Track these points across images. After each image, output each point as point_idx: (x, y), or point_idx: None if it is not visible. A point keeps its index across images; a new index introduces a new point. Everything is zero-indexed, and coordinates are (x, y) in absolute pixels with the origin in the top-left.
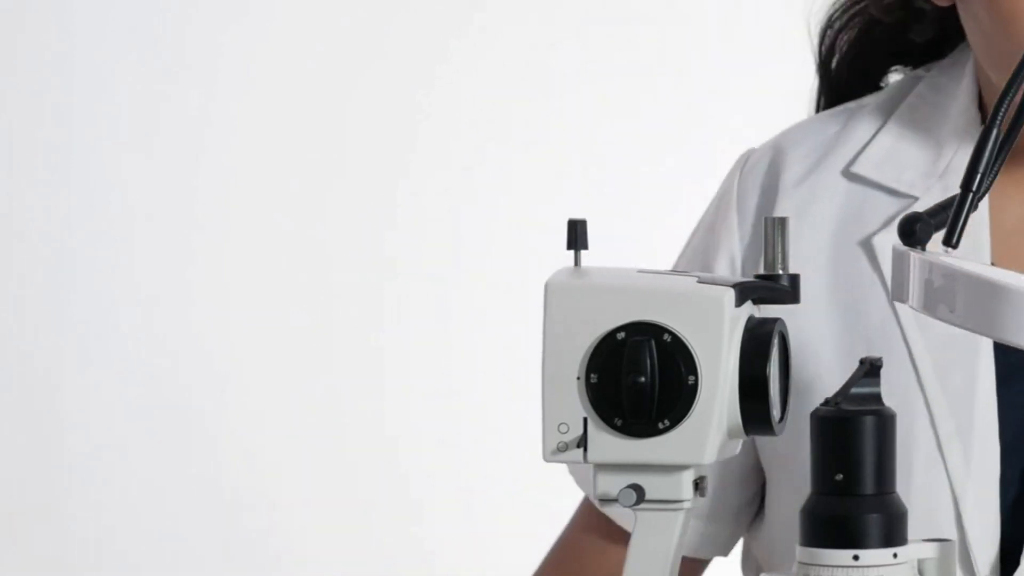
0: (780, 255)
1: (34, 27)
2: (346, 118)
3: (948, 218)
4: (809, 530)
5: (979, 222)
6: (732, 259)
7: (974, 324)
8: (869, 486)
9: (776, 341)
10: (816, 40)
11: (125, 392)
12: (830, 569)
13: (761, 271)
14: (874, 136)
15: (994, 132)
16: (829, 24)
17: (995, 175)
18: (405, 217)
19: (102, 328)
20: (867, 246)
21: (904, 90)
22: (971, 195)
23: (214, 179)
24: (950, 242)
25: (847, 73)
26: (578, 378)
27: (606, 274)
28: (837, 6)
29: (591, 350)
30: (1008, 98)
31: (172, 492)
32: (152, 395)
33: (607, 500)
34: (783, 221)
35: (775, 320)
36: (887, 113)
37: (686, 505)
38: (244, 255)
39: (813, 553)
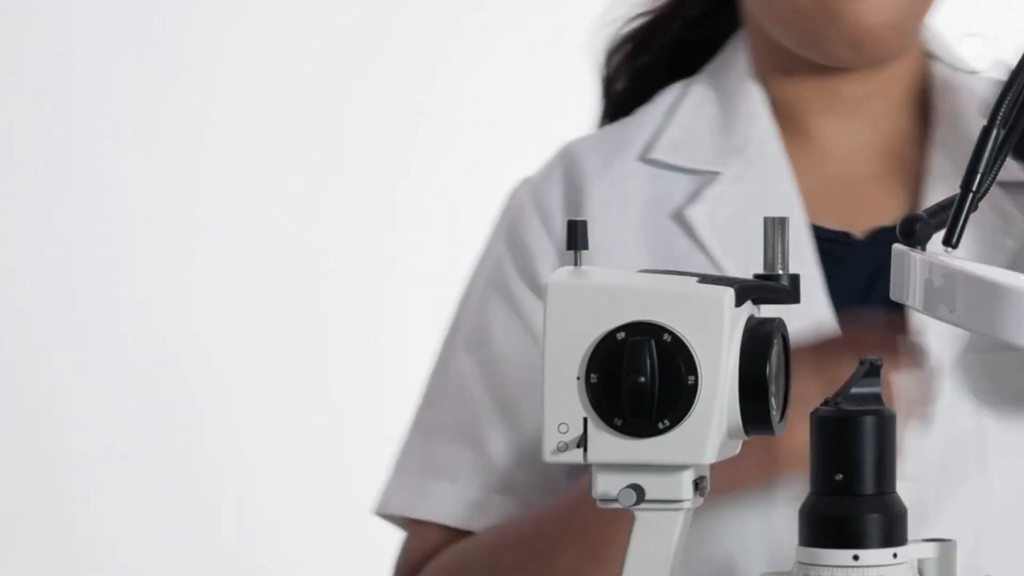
0: (780, 255)
1: (34, 27)
2: (346, 118)
3: (948, 218)
4: (809, 530)
5: (788, 187)
6: (552, 262)
7: (974, 324)
8: (869, 486)
9: (776, 341)
10: (602, 64)
11: (125, 392)
12: (830, 569)
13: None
14: (662, 127)
15: (994, 132)
16: (615, 48)
17: (995, 175)
18: (405, 217)
19: (102, 328)
20: (679, 218)
21: (683, 87)
22: (971, 195)
23: (214, 179)
24: (950, 242)
25: (632, 88)
26: (578, 378)
27: (606, 274)
28: (622, 30)
29: (591, 350)
30: (1008, 98)
31: (172, 492)
32: (152, 395)
33: (607, 500)
34: (783, 221)
35: (775, 320)
36: (671, 106)
37: (686, 505)
38: (244, 255)
39: (813, 553)
